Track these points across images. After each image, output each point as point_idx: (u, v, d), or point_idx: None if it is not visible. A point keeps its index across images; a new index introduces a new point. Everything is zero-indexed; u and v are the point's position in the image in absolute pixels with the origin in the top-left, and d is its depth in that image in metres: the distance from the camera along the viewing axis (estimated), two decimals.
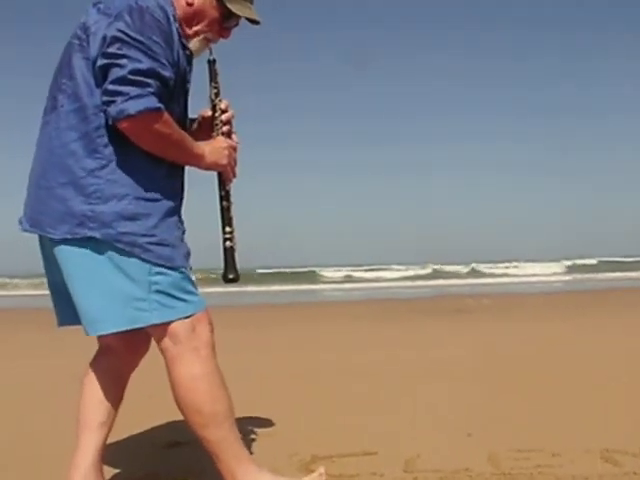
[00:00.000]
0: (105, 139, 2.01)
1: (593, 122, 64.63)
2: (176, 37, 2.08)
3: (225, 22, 2.21)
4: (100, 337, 2.22)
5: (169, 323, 2.02)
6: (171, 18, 2.07)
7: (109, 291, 2.01)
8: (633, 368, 4.45)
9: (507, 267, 33.77)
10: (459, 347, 5.86)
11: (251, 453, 2.52)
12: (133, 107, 1.92)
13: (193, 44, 2.19)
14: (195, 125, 2.35)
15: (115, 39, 1.95)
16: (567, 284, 21.73)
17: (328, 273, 31.70)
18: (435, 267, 33.21)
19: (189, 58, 2.17)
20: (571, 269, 32.85)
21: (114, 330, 2.04)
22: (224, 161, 2.20)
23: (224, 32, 2.24)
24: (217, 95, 2.29)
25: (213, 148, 2.19)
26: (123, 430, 2.72)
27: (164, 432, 3.04)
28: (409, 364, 4.98)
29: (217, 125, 2.26)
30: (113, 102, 1.93)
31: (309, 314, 11.06)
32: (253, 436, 2.94)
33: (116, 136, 2.00)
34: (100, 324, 2.03)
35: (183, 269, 2.07)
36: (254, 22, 2.23)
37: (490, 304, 11.46)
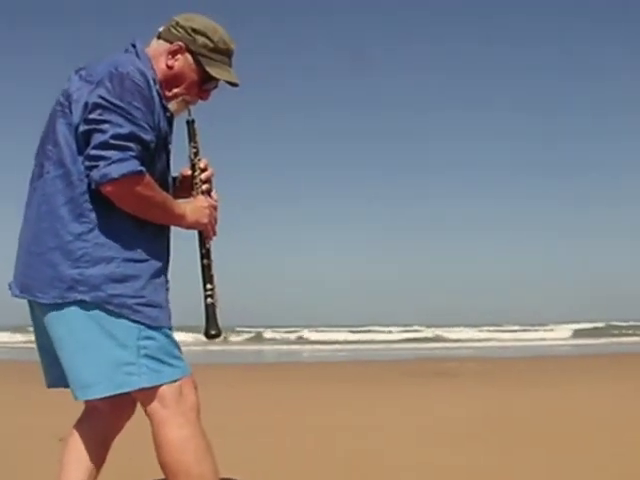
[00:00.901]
0: (90, 204, 2.05)
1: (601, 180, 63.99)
2: (157, 100, 2.14)
3: (204, 85, 2.27)
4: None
5: (157, 387, 2.03)
6: (151, 82, 2.13)
7: (99, 356, 2.02)
8: (617, 437, 4.40)
9: (515, 331, 33.43)
10: (444, 411, 5.85)
11: None
12: (115, 171, 1.96)
13: (172, 106, 2.25)
14: (176, 184, 2.39)
15: (96, 105, 2.01)
16: (575, 348, 21.59)
17: (312, 334, 31.26)
18: (435, 330, 33.00)
19: (170, 120, 2.23)
20: (578, 333, 32.62)
21: (104, 395, 2.04)
22: (205, 220, 2.24)
23: (203, 94, 2.30)
24: (196, 154, 2.34)
25: (194, 207, 2.23)
26: None
27: None
28: (393, 427, 4.98)
29: (197, 184, 2.31)
30: (96, 167, 1.97)
31: (289, 375, 10.97)
32: None
33: (101, 200, 2.03)
34: (90, 389, 2.04)
35: (168, 330, 2.09)
36: (233, 84, 2.30)
37: (476, 368, 11.42)
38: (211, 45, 2.22)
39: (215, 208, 2.30)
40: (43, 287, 2.05)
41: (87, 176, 2.01)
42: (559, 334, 32.17)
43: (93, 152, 1.98)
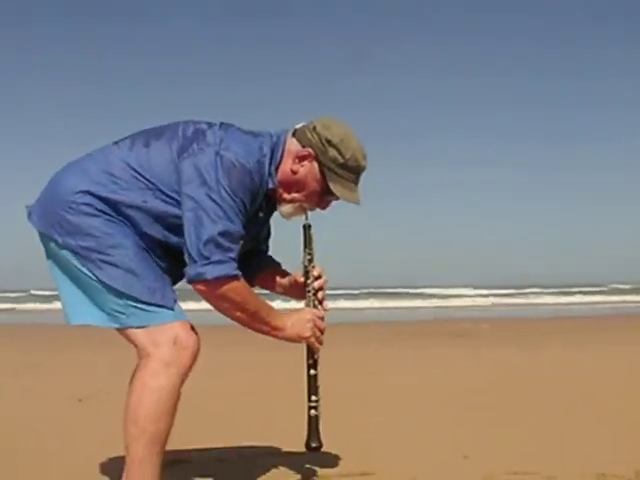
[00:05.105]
0: (118, 203, 2.05)
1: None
2: (257, 202, 2.13)
3: (325, 196, 2.20)
4: None
5: (150, 327, 2.02)
6: (264, 185, 2.11)
7: (86, 289, 2.06)
8: (631, 394, 4.48)
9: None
10: (460, 373, 5.90)
11: (249, 470, 2.68)
12: (210, 272, 1.98)
13: (287, 208, 2.21)
14: (286, 282, 2.39)
15: (216, 185, 2.00)
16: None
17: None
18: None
19: (259, 219, 2.23)
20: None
21: (91, 323, 2.08)
22: (307, 334, 2.19)
23: (322, 204, 2.23)
24: (310, 261, 2.29)
25: (297, 320, 2.18)
26: None
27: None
28: (409, 388, 5.01)
29: (309, 292, 2.26)
30: (194, 262, 2.00)
31: None
32: (252, 455, 2.99)
33: (130, 210, 2.05)
34: (76, 317, 2.10)
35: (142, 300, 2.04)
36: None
37: (490, 329, 11.44)
38: (341, 160, 2.14)
39: (322, 318, 2.24)
40: (40, 213, 2.11)
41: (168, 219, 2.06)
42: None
43: (199, 245, 1.98)
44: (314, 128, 2.15)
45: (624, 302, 25.87)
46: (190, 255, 2.00)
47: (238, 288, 2.04)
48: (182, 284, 2.15)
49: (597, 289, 34.62)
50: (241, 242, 2.05)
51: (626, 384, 5.00)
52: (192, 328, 2.08)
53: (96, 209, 2.04)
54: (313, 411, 2.22)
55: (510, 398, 4.48)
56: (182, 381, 2.02)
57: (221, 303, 2.05)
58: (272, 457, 2.94)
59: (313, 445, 2.21)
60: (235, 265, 2.02)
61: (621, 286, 36.50)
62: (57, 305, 2.24)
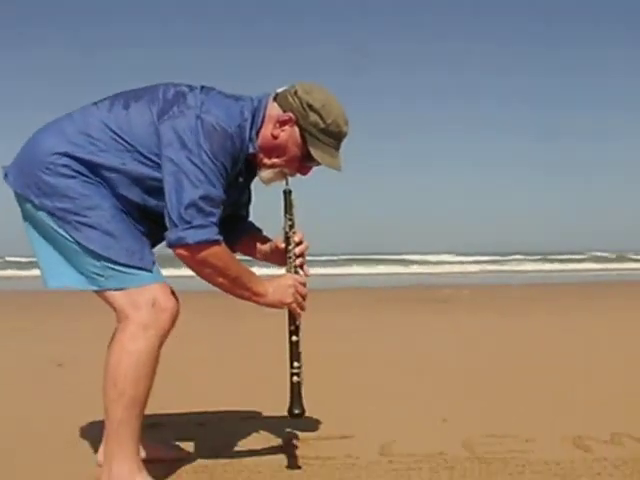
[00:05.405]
0: (100, 159, 2.02)
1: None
2: (238, 167, 2.11)
3: (305, 161, 2.18)
4: None
5: (128, 289, 2.01)
6: (245, 149, 2.09)
7: (63, 251, 2.04)
8: (609, 361, 4.56)
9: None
10: (441, 338, 5.95)
11: (229, 434, 2.69)
12: (192, 237, 1.97)
13: (267, 174, 2.19)
14: (266, 248, 2.37)
15: (199, 149, 1.97)
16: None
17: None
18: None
19: (240, 184, 2.21)
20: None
21: (69, 285, 2.06)
22: (289, 299, 2.17)
23: (303, 169, 2.21)
24: (291, 227, 2.27)
25: (278, 286, 2.16)
26: None
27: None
28: (390, 353, 5.05)
29: (290, 258, 2.25)
30: (175, 226, 1.97)
31: None
32: (233, 419, 3.02)
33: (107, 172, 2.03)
34: (55, 279, 2.07)
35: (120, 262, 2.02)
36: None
37: (470, 295, 11.52)
38: (322, 125, 2.11)
39: (304, 284, 2.22)
40: (17, 173, 2.07)
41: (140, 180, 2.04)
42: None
43: (180, 209, 1.96)
44: (295, 92, 2.12)
45: (605, 270, 26.22)
46: (171, 219, 1.98)
47: (219, 253, 2.02)
48: (161, 249, 2.13)
49: (579, 257, 34.89)
50: (222, 207, 2.03)
51: (607, 350, 5.07)
52: (172, 292, 2.07)
53: (73, 170, 2.01)
54: (295, 377, 2.20)
55: (490, 363, 4.52)
56: (161, 343, 2.02)
57: (202, 268, 2.03)
58: (253, 421, 2.95)
59: (295, 412, 2.20)
60: (217, 230, 2.00)
61: (602, 254, 36.90)
62: (34, 272, 2.21)
